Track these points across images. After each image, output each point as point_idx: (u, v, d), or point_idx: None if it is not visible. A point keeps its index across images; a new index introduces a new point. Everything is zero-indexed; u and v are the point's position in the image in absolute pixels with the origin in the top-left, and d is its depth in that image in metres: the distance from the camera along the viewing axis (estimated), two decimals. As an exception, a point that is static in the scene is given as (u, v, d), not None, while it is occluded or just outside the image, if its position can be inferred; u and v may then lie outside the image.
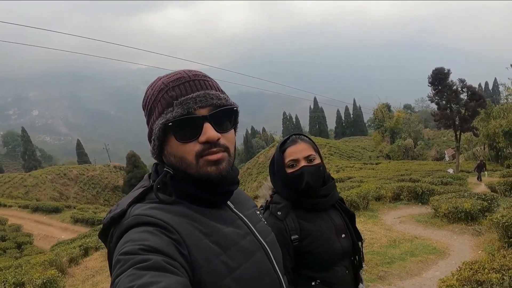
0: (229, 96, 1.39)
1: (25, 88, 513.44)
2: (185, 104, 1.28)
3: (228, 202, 1.47)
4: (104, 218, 1.33)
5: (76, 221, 32.78)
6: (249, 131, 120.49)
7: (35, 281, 8.65)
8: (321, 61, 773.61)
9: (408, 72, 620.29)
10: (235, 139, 1.43)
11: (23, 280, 9.68)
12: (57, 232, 31.16)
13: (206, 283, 1.18)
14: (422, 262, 8.27)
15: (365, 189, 15.49)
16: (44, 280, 8.56)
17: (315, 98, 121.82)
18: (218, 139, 1.30)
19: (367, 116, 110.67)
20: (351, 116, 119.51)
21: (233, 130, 1.41)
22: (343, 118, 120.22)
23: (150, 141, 1.38)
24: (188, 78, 1.35)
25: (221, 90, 1.42)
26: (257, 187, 63.23)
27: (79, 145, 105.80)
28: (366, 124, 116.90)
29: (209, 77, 1.42)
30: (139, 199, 1.33)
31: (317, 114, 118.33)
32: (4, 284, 9.74)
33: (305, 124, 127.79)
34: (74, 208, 41.97)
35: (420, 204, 14.98)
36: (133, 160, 70.52)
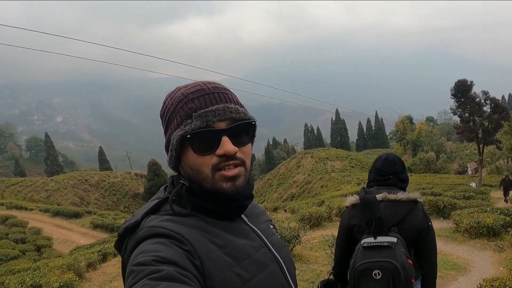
0: (250, 107, 1.40)
1: (48, 95, 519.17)
2: (204, 117, 1.28)
3: (242, 216, 1.46)
4: (120, 229, 1.34)
5: (95, 226, 32.99)
6: (271, 142, 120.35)
7: (52, 284, 8.70)
8: (342, 73, 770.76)
9: (430, 84, 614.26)
10: (252, 153, 1.43)
11: (40, 282, 9.76)
12: (77, 237, 31.38)
13: None
14: (442, 278, 8.13)
15: (385, 201, 15.35)
16: (61, 284, 8.61)
17: (337, 110, 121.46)
18: (235, 152, 1.29)
19: (389, 128, 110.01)
20: (373, 128, 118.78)
21: (250, 144, 1.40)
22: (364, 130, 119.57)
23: (167, 151, 1.38)
24: (208, 90, 1.35)
25: (240, 103, 1.41)
26: (277, 198, 63.18)
27: (101, 152, 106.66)
28: (388, 137, 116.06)
29: (228, 90, 1.41)
30: (153, 211, 1.33)
31: (338, 126, 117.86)
32: (22, 286, 9.82)
33: (326, 136, 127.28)
34: (94, 213, 42.26)
35: (441, 218, 14.78)
36: (154, 168, 70.88)
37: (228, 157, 1.28)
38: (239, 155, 1.31)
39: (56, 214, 39.81)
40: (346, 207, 3.31)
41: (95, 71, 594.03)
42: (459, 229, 11.91)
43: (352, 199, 3.24)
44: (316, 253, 10.64)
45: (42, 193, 65.83)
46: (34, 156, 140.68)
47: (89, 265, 13.61)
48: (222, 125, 1.29)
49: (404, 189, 3.22)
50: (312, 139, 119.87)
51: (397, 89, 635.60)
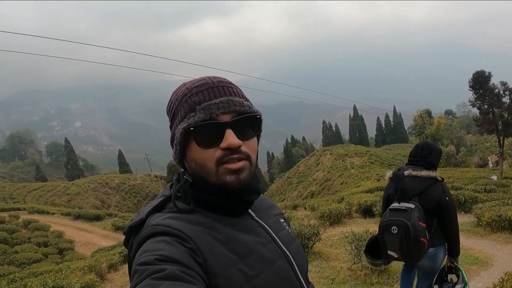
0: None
1: (67, 101, 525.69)
2: (208, 110, 1.27)
3: (249, 210, 1.45)
4: (125, 227, 1.36)
5: (117, 228, 33.15)
6: (289, 141, 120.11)
7: (74, 285, 8.76)
8: (359, 68, 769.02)
9: (448, 76, 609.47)
10: (257, 147, 1.42)
11: (62, 284, 9.81)
12: (98, 239, 31.61)
13: None
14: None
15: (405, 197, 15.18)
16: (83, 284, 8.67)
17: (354, 106, 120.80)
18: (239, 146, 1.28)
19: (407, 123, 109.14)
20: (392, 123, 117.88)
21: (255, 138, 1.39)
22: (383, 126, 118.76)
23: (172, 146, 1.39)
24: (212, 84, 1.35)
25: (245, 97, 1.40)
26: (297, 196, 63.01)
27: (120, 155, 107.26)
28: (407, 131, 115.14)
29: (233, 84, 1.40)
30: (158, 209, 1.34)
31: (357, 122, 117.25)
32: (44, 287, 9.89)
33: (345, 133, 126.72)
34: (115, 216, 42.60)
35: (462, 212, 14.56)
36: (173, 170, 71.04)
37: (232, 150, 1.27)
38: (243, 149, 1.30)
39: (78, 217, 40.25)
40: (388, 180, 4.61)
41: (111, 75, 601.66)
42: (481, 223, 11.71)
43: (389, 174, 4.61)
44: (336, 250, 10.56)
45: (64, 197, 66.54)
46: (54, 161, 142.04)
47: (111, 266, 13.69)
48: (226, 118, 1.28)
49: (431, 169, 4.29)
50: (331, 136, 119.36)
51: (415, 83, 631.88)
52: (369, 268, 7.89)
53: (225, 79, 1.41)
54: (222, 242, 1.26)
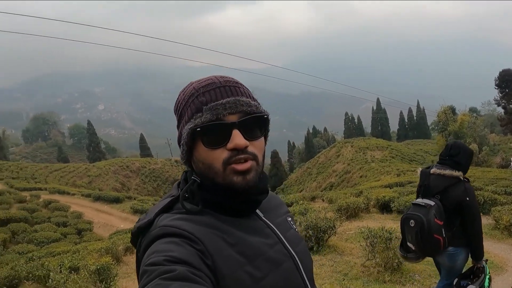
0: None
1: (90, 84, 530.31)
2: (215, 110, 1.27)
3: (257, 211, 1.45)
4: (133, 227, 1.36)
5: (135, 211, 33.49)
6: (311, 131, 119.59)
7: (90, 267, 8.84)
8: (383, 60, 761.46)
9: (475, 72, 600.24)
10: (264, 147, 1.41)
11: (78, 265, 9.96)
12: (117, 221, 32.02)
13: None
14: (478, 278, 7.91)
15: (425, 195, 15.02)
16: (98, 267, 8.74)
17: (378, 99, 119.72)
18: (246, 146, 1.28)
19: (430, 119, 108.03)
20: (415, 118, 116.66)
21: (263, 138, 1.39)
22: (406, 120, 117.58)
23: (179, 146, 1.39)
24: (219, 83, 1.35)
25: (252, 97, 1.40)
26: (316, 187, 62.91)
27: (142, 139, 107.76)
28: (430, 127, 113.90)
29: (240, 84, 1.40)
30: (166, 209, 1.34)
31: (379, 115, 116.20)
32: (61, 268, 10.04)
33: (367, 125, 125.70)
34: (135, 199, 42.94)
35: (481, 214, 14.39)
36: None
37: (239, 151, 1.27)
38: (250, 149, 1.30)
39: (97, 199, 40.76)
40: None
41: (136, 61, 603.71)
42: (498, 226, 11.45)
43: (419, 170, 4.85)
44: (351, 245, 10.54)
45: (84, 178, 67.29)
46: (77, 143, 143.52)
47: (127, 249, 13.85)
48: (233, 118, 1.28)
49: (459, 169, 4.40)
50: (353, 128, 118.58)
51: (440, 78, 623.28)
52: (383, 266, 7.87)
53: (232, 78, 1.41)
54: (230, 244, 1.26)
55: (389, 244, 7.90)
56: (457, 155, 4.47)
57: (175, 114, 1.44)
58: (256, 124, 1.34)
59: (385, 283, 7.49)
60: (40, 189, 46.56)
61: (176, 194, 1.39)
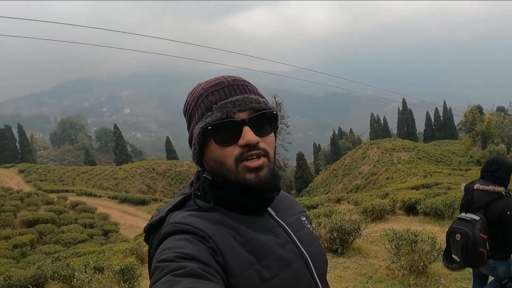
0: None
1: (117, 88, 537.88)
2: (224, 108, 1.29)
3: (269, 209, 1.45)
4: (145, 225, 1.38)
5: (162, 213, 33.68)
6: (336, 132, 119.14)
7: (114, 267, 8.90)
8: (409, 60, 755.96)
9: (503, 71, 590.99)
10: (275, 143, 1.43)
11: (103, 265, 10.04)
12: (143, 223, 32.15)
13: None
14: None
15: (451, 196, 14.71)
16: (122, 267, 8.78)
17: (403, 100, 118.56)
18: (258, 142, 1.30)
19: (457, 118, 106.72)
20: (441, 118, 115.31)
21: (273, 134, 1.40)
22: (432, 121, 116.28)
23: (190, 146, 1.41)
24: (227, 83, 1.36)
25: (261, 94, 1.42)
26: (342, 189, 62.64)
27: (168, 142, 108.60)
28: (457, 128, 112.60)
29: (248, 82, 1.42)
30: (178, 207, 1.36)
31: (405, 116, 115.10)
32: (85, 267, 10.14)
33: (393, 126, 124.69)
34: (160, 201, 43.31)
35: (508, 215, 14.10)
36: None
37: (250, 147, 1.29)
38: (262, 145, 1.31)
39: (124, 201, 41.14)
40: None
41: (162, 65, 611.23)
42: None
43: (463, 186, 4.95)
44: (376, 247, 10.40)
45: (111, 181, 68.04)
46: (103, 146, 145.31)
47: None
48: (243, 115, 1.31)
49: (501, 184, 4.52)
50: (379, 130, 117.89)
51: (467, 77, 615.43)
52: (408, 269, 7.75)
53: (240, 77, 1.43)
54: (241, 242, 1.27)
55: (415, 246, 7.77)
56: (498, 170, 4.60)
57: (184, 116, 1.46)
58: (265, 120, 1.36)
59: (410, 287, 7.38)
60: (67, 191, 47.31)
61: (188, 192, 1.40)
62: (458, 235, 4.51)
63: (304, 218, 1.59)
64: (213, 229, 1.25)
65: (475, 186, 4.63)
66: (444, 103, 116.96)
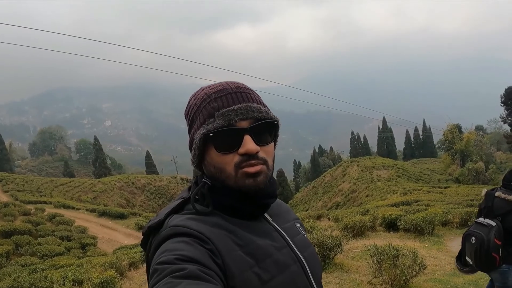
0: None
1: (99, 100, 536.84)
2: (227, 116, 1.30)
3: (266, 215, 1.47)
4: (144, 228, 1.39)
5: (140, 228, 33.39)
6: (317, 150, 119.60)
7: (93, 280, 8.81)
8: (390, 79, 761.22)
9: (480, 90, 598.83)
10: (274, 152, 1.44)
11: (82, 278, 9.91)
12: (121, 237, 31.99)
13: None
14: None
15: (431, 213, 14.88)
16: (102, 280, 8.70)
17: (384, 118, 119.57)
18: (257, 152, 1.31)
19: (437, 137, 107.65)
20: (421, 137, 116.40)
21: (273, 143, 1.42)
22: (412, 139, 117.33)
23: (190, 150, 1.43)
24: (230, 90, 1.37)
25: (263, 103, 1.43)
26: (322, 206, 62.69)
27: (148, 156, 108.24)
28: (436, 146, 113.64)
29: (251, 90, 1.43)
30: (177, 210, 1.38)
31: (385, 134, 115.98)
32: (64, 280, 10.00)
33: (373, 144, 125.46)
34: (139, 215, 43.06)
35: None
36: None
37: (250, 156, 1.30)
38: (261, 154, 1.33)
39: (102, 214, 40.63)
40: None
41: (144, 77, 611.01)
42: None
43: (484, 191, 5.08)
44: (357, 263, 10.43)
45: (90, 193, 67.21)
46: (83, 158, 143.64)
47: (131, 264, 13.79)
48: (244, 124, 1.31)
49: None
50: (359, 147, 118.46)
51: (445, 96, 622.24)
52: (390, 283, 7.77)
53: (243, 84, 1.43)
54: (239, 244, 1.28)
55: (396, 261, 7.81)
56: None
57: (186, 118, 1.48)
58: (266, 129, 1.37)
59: (392, 301, 7.39)
60: (45, 202, 46.75)
61: (186, 196, 1.42)
62: (473, 238, 4.63)
63: (298, 225, 1.61)
64: (212, 231, 1.26)
65: (497, 194, 4.73)
66: (424, 122, 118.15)
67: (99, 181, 75.64)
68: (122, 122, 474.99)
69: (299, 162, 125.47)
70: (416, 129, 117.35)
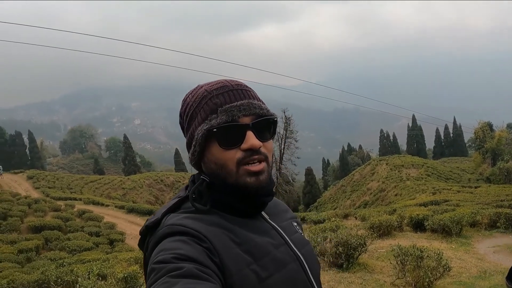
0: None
1: (128, 99, 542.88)
2: (230, 112, 1.31)
3: (263, 213, 1.47)
4: (141, 227, 1.39)
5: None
6: (345, 148, 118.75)
7: (117, 275, 8.88)
8: (418, 77, 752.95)
9: (510, 88, 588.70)
10: (273, 149, 1.47)
11: (106, 272, 10.02)
12: (149, 233, 32.17)
13: None
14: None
15: (459, 213, 14.68)
16: (126, 275, 8.76)
17: (413, 116, 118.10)
18: (260, 147, 1.33)
19: (467, 136, 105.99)
20: (451, 135, 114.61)
21: (271, 140, 1.43)
22: (442, 138, 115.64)
23: (189, 147, 1.43)
24: (231, 87, 1.39)
25: (262, 100, 1.44)
26: (350, 205, 62.37)
27: (177, 154, 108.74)
28: (467, 145, 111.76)
29: (250, 88, 1.44)
30: (174, 209, 1.38)
31: (415, 132, 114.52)
32: (89, 274, 10.12)
33: (402, 143, 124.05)
34: (168, 212, 43.18)
35: (524, 233, 14.00)
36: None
37: (253, 151, 1.32)
38: (263, 150, 1.34)
39: (131, 211, 41.00)
40: None
41: (170, 77, 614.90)
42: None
43: None
44: (382, 263, 10.33)
45: (119, 190, 67.93)
46: (112, 156, 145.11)
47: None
48: (246, 120, 1.33)
49: None
50: (388, 146, 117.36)
51: (476, 94, 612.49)
52: (413, 285, 7.67)
53: (242, 82, 1.45)
54: (237, 242, 1.28)
55: (420, 262, 7.70)
56: None
57: (181, 116, 1.47)
58: (267, 126, 1.39)
59: (415, 303, 7.29)
60: (75, 199, 47.28)
61: (183, 195, 1.42)
62: None
63: (295, 224, 1.61)
64: (209, 230, 1.26)
65: None
66: (454, 120, 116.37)
67: (128, 178, 76.52)
68: (150, 121, 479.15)
69: (327, 160, 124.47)
70: (446, 127, 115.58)
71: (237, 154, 1.32)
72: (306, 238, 1.58)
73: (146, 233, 1.37)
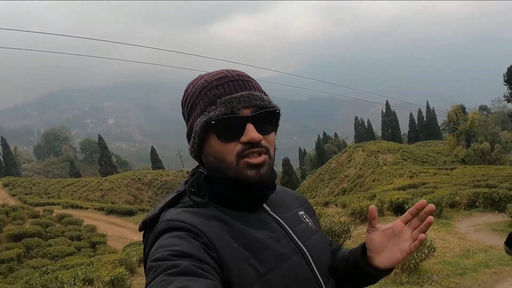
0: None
1: (101, 99, 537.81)
2: (229, 103, 1.27)
3: (264, 205, 1.43)
4: (140, 223, 1.37)
5: (149, 224, 33.50)
6: (321, 137, 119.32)
7: (103, 278, 8.84)
8: (392, 63, 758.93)
9: (482, 71, 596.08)
10: (275, 141, 1.41)
11: (92, 276, 9.97)
12: (130, 234, 32.03)
13: (235, 286, 1.17)
14: (497, 274, 7.79)
15: (438, 195, 14.90)
16: (112, 278, 8.73)
17: (387, 102, 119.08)
18: (260, 140, 1.28)
19: (441, 119, 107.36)
20: (425, 119, 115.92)
21: (274, 132, 1.38)
22: (416, 122, 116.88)
23: (189, 139, 1.39)
24: (232, 77, 1.34)
25: (264, 92, 1.40)
26: (329, 193, 62.70)
27: (153, 152, 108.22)
28: (440, 128, 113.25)
29: (252, 78, 1.40)
30: (172, 204, 1.35)
31: (389, 118, 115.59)
32: (74, 280, 10.07)
33: (377, 129, 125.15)
34: (147, 211, 42.87)
35: (496, 211, 14.18)
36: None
37: (253, 144, 1.27)
38: (263, 143, 1.30)
39: (110, 212, 40.91)
40: None
41: (145, 74, 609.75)
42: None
43: None
44: (366, 248, 10.43)
45: (97, 192, 67.52)
46: (88, 158, 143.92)
47: (141, 261, 13.80)
48: (246, 112, 1.29)
49: None
50: (363, 132, 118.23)
51: (448, 78, 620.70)
52: (399, 267, 7.76)
53: (244, 72, 1.40)
54: (235, 237, 1.25)
55: (405, 245, 7.78)
56: None
57: (182, 107, 1.44)
58: (268, 118, 1.34)
59: (403, 285, 7.39)
60: (53, 204, 46.81)
61: (182, 189, 1.39)
62: None
63: (302, 213, 1.54)
64: (207, 224, 1.23)
65: None
66: (427, 104, 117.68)
67: (105, 179, 76.07)
68: (125, 120, 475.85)
69: (304, 149, 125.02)
70: (420, 112, 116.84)
71: (236, 147, 1.28)
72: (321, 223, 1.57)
73: (145, 229, 1.34)
